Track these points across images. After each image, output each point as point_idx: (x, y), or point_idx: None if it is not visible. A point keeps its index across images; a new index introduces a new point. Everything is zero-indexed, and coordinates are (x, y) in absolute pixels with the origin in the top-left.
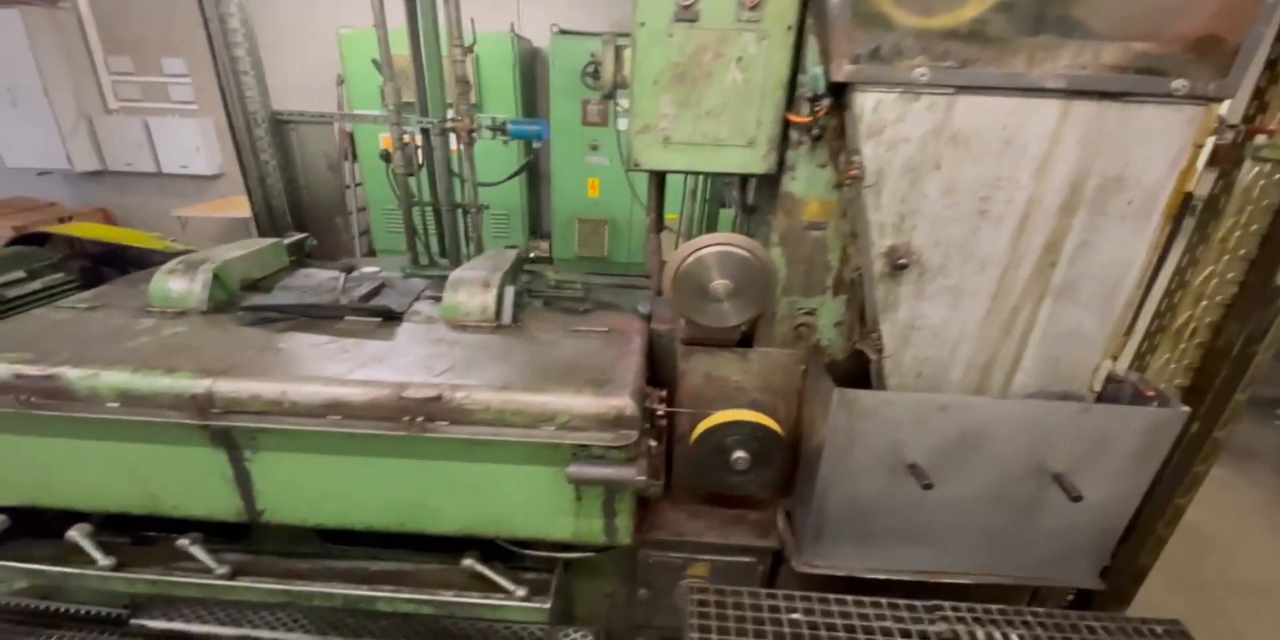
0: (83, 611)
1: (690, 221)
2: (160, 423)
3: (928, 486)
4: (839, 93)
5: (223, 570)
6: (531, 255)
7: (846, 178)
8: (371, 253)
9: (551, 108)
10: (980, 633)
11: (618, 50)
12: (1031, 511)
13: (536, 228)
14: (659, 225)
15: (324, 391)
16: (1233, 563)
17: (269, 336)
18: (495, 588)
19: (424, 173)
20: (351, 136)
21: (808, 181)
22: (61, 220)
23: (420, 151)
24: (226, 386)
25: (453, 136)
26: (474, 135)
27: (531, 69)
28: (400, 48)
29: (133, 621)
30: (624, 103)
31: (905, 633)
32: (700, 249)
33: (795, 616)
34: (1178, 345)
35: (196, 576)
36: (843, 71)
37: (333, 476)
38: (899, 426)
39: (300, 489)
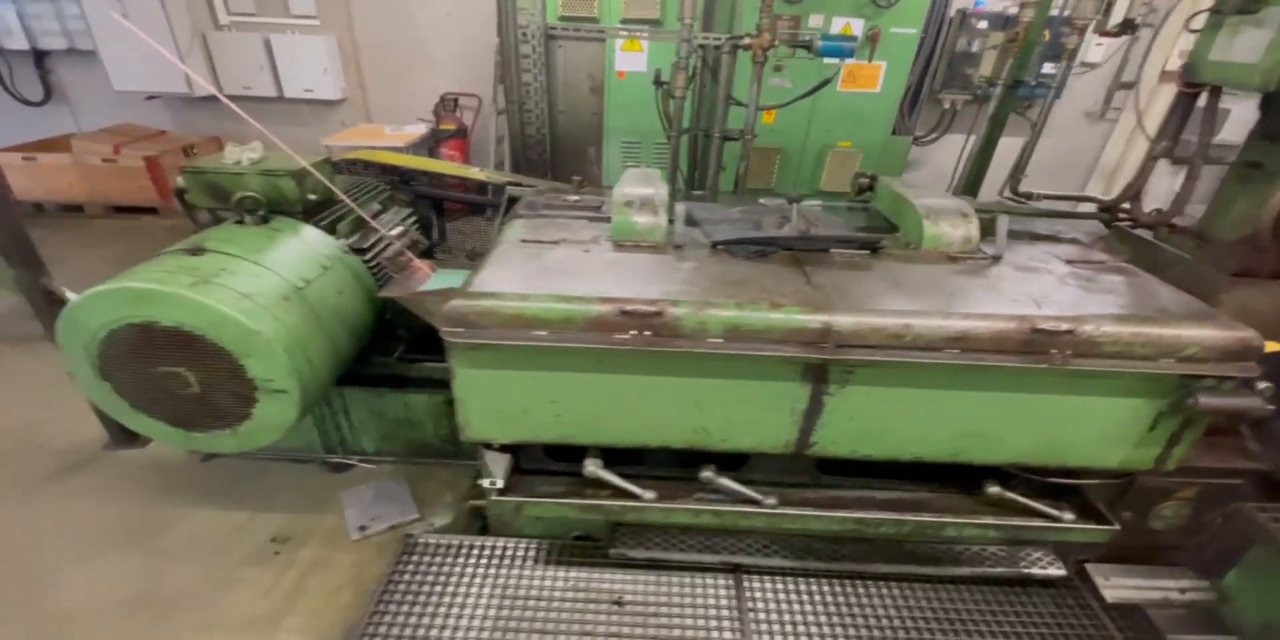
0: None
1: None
2: (760, 357)
3: None
4: None
5: (772, 501)
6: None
7: None
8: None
9: (739, 23)
10: None
11: None
12: None
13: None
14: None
15: (949, 325)
16: None
17: (789, 270)
18: (1026, 512)
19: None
20: None
21: None
22: (185, 150)
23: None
24: (846, 320)
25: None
26: (769, 53)
27: None
28: None
29: (612, 551)
30: (815, 19)
31: None
32: None
33: None
34: None
35: (750, 507)
36: None
37: (905, 409)
38: None
39: (865, 422)
